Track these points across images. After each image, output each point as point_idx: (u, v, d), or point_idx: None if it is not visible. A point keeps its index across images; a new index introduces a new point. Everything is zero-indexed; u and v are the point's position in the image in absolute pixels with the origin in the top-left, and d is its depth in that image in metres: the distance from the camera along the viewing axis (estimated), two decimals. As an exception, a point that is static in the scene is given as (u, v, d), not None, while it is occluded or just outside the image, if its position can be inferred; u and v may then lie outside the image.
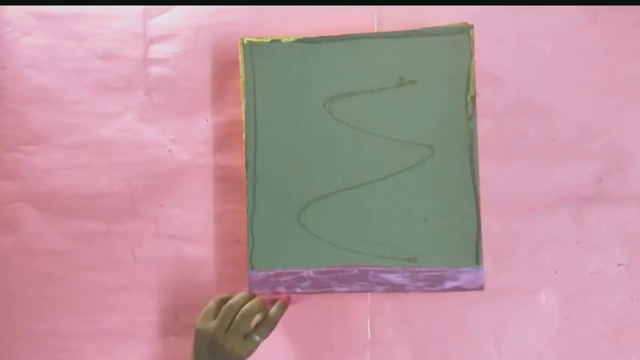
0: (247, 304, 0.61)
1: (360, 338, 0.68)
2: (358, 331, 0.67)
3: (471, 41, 0.63)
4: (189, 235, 0.71)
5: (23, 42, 0.74)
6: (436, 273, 0.64)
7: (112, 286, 0.72)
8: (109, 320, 0.72)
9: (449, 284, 0.64)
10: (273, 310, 0.63)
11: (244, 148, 0.66)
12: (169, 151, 0.72)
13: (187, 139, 0.72)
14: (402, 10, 0.68)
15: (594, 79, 0.66)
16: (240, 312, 0.60)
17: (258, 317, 0.62)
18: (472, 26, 0.63)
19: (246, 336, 0.60)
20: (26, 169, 0.74)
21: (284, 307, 0.64)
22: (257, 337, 0.61)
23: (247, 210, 0.66)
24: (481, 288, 0.64)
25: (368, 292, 0.66)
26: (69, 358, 0.73)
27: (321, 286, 0.65)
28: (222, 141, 0.71)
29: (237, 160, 0.69)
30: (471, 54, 0.63)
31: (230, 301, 0.61)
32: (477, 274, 0.63)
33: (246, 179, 0.66)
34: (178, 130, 0.72)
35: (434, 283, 0.64)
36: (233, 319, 0.60)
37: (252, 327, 0.61)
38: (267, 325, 0.62)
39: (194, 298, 0.69)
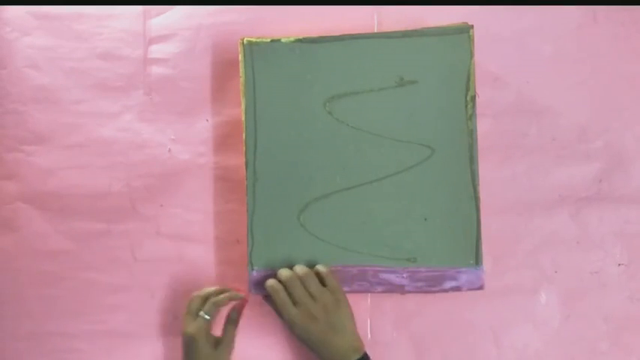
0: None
1: (360, 338, 0.68)
2: (358, 331, 0.67)
3: (471, 41, 0.63)
4: (189, 235, 0.71)
5: (23, 42, 0.74)
6: (436, 273, 0.64)
7: (112, 286, 0.72)
8: (109, 320, 0.72)
9: (449, 284, 0.64)
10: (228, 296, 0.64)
11: (244, 148, 0.66)
12: (169, 151, 0.72)
13: (187, 139, 0.71)
14: (402, 10, 0.68)
15: (594, 79, 0.66)
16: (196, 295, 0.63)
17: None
18: (472, 26, 0.63)
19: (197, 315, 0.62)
20: (26, 169, 0.74)
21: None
22: (206, 316, 0.62)
23: (247, 210, 0.66)
24: (481, 288, 0.64)
25: (368, 292, 0.66)
26: (69, 358, 0.73)
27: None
28: (222, 141, 0.71)
29: (237, 160, 0.69)
30: (471, 54, 0.63)
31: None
32: (476, 274, 0.63)
33: (246, 179, 0.66)
34: (178, 130, 0.72)
35: (434, 283, 0.64)
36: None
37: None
38: (212, 304, 0.62)
39: (194, 298, 0.69)
